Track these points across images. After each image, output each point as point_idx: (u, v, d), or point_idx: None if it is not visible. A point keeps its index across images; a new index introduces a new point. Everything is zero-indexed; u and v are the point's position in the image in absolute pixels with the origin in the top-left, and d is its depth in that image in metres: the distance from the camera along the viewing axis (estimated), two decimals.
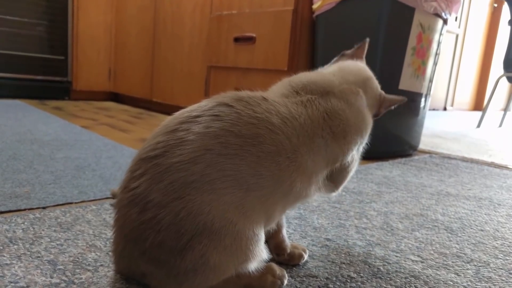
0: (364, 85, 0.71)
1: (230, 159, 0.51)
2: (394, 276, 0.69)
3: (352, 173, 0.71)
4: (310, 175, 0.59)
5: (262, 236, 0.56)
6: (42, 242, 0.70)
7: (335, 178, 0.67)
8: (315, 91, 0.64)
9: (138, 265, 0.54)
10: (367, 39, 0.82)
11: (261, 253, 0.56)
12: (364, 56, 0.81)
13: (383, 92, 0.76)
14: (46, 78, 2.92)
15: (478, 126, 3.26)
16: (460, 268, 0.74)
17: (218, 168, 0.50)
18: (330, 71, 0.72)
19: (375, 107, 0.74)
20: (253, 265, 0.56)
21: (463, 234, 0.90)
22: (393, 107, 0.77)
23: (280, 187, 0.55)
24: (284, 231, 0.71)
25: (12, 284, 0.57)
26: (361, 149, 0.71)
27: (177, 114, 0.57)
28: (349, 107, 0.64)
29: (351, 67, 0.73)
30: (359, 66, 0.75)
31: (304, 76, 0.67)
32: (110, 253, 0.67)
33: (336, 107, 0.63)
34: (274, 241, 0.70)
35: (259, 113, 0.55)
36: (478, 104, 5.31)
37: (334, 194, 0.72)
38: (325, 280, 0.66)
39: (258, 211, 0.53)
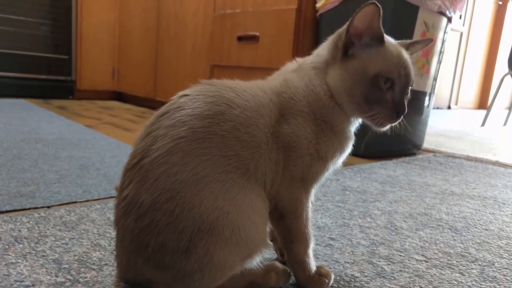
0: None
1: (201, 143, 0.52)
2: (398, 276, 0.69)
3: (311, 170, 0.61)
4: (270, 157, 0.56)
5: (261, 223, 0.55)
6: (47, 241, 0.70)
7: (289, 166, 0.59)
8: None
9: (144, 274, 0.54)
10: None
11: (264, 242, 0.56)
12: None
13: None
14: (50, 78, 2.93)
15: (483, 124, 3.25)
16: (464, 267, 0.74)
17: (195, 155, 0.51)
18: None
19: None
20: (258, 256, 0.55)
21: (468, 234, 0.90)
22: None
23: (248, 169, 0.54)
24: None
25: (18, 283, 0.57)
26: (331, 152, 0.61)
27: (150, 119, 0.58)
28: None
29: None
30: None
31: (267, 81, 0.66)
32: (115, 266, 0.67)
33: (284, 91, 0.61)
34: (278, 243, 0.70)
35: (214, 91, 0.57)
36: (483, 103, 5.27)
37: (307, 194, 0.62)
38: None
39: (243, 195, 0.53)
